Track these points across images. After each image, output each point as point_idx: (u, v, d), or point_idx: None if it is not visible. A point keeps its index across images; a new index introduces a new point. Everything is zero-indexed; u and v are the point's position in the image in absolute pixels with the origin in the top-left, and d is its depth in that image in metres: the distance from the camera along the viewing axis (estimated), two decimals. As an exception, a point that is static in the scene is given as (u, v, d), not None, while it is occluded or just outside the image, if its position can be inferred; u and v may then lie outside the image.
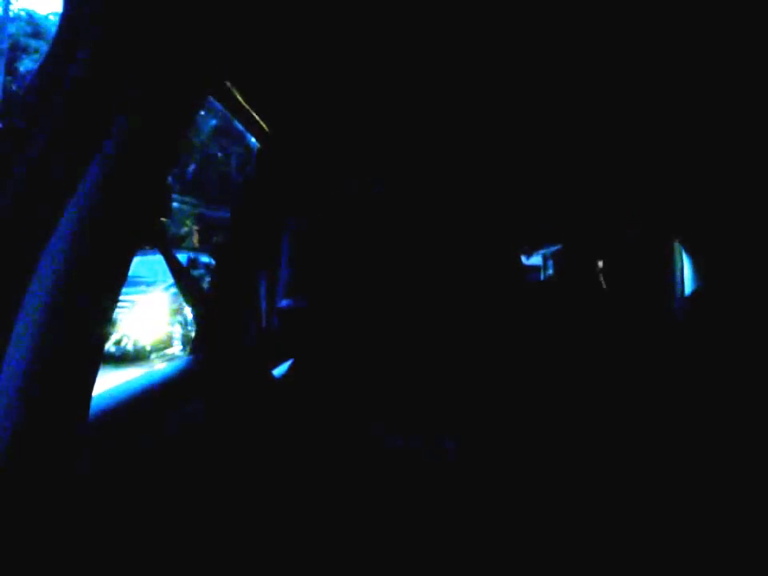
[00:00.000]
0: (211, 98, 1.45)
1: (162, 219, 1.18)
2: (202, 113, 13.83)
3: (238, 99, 1.55)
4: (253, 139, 1.94)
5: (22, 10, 16.36)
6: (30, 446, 0.82)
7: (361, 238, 2.16)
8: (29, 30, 15.80)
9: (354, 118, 1.98)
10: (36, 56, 14.69)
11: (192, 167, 14.04)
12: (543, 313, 2.24)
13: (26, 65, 14.67)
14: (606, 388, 1.82)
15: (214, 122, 14.29)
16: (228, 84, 1.45)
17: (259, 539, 1.30)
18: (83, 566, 0.94)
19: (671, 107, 1.99)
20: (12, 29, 15.26)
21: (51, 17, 16.67)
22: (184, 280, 1.47)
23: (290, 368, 1.83)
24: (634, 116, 2.04)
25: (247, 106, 1.63)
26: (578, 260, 3.53)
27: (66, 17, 0.91)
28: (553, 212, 3.81)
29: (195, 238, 13.75)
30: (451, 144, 2.30)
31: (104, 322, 1.00)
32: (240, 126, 1.83)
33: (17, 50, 15.20)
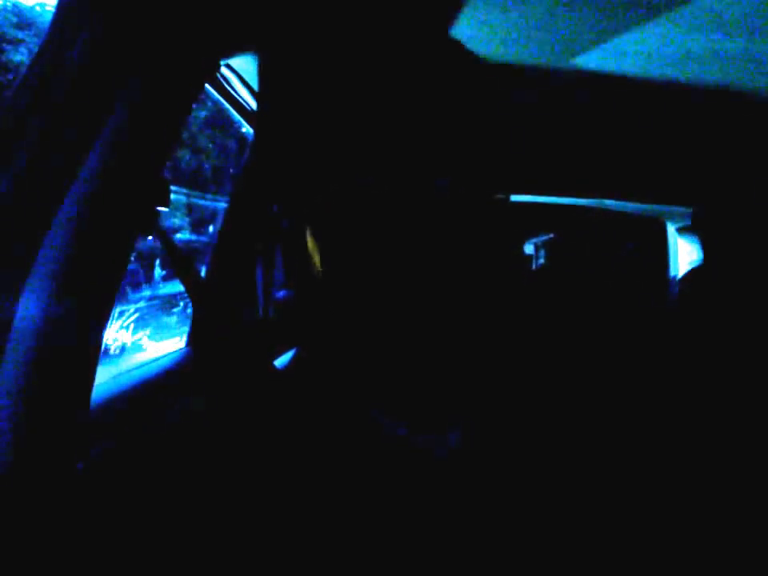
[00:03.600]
0: (208, 88, 1.45)
1: (161, 208, 1.18)
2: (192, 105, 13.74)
3: (233, 86, 1.55)
4: (244, 129, 1.94)
5: (8, 1, 16.15)
6: (30, 447, 0.82)
7: (359, 226, 2.15)
8: (14, 20, 15.60)
9: (348, 105, 1.97)
10: (23, 48, 14.53)
11: (184, 159, 13.96)
12: (542, 301, 2.25)
13: (14, 56, 14.51)
14: (604, 375, 1.83)
15: (204, 113, 14.21)
16: (224, 71, 1.44)
17: (261, 521, 1.30)
18: (85, 562, 0.94)
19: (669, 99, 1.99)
20: (-3, 20, 15.07)
21: (38, 7, 16.47)
22: (182, 270, 1.47)
23: (292, 358, 1.84)
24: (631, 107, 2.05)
25: (242, 94, 1.63)
26: (571, 247, 3.54)
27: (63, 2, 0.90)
28: (545, 200, 3.82)
29: (188, 230, 13.68)
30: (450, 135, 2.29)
31: (105, 313, 1.00)
32: (234, 116, 1.82)
33: (2, 42, 15.02)
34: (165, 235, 1.33)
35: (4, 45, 14.90)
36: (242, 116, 1.80)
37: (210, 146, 14.47)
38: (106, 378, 1.30)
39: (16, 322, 0.82)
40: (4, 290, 0.83)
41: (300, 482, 1.33)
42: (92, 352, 0.97)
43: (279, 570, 1.22)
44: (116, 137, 0.92)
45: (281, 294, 2.08)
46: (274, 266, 2.18)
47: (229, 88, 1.60)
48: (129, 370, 1.42)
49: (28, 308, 0.83)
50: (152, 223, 1.17)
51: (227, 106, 1.72)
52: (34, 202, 0.85)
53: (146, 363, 1.52)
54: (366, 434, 1.42)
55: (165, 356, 1.63)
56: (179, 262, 1.44)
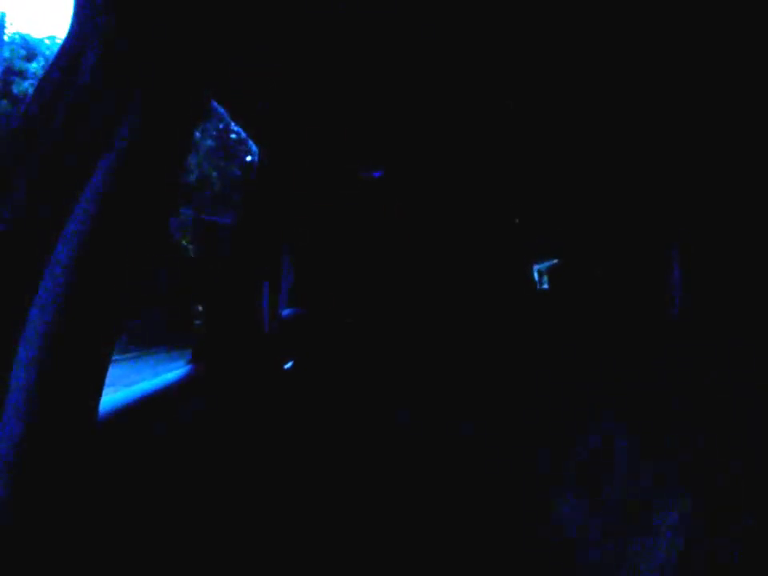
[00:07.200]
0: (215, 104, 1.47)
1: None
2: (197, 134, 13.91)
3: (239, 104, 1.57)
4: (248, 158, 1.96)
5: (16, 33, 16.44)
6: (42, 447, 0.82)
7: (361, 248, 2.19)
8: (24, 53, 15.85)
9: (355, 122, 1.99)
10: (34, 80, 14.78)
11: (189, 185, 14.07)
12: (546, 319, 2.31)
13: (23, 88, 14.76)
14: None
15: (209, 142, 14.35)
16: (230, 89, 1.46)
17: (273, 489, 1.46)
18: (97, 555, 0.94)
19: (667, 132, 2.03)
20: (6, 53, 15.33)
21: (47, 41, 16.77)
22: (193, 288, 1.47)
23: (291, 368, 1.87)
24: (630, 135, 2.09)
25: (247, 113, 1.64)
26: (574, 272, 3.60)
27: (75, 24, 0.91)
28: (550, 227, 3.85)
29: (192, 252, 13.68)
30: (457, 157, 2.32)
31: (115, 322, 1.00)
32: (237, 134, 1.83)
33: (12, 74, 15.27)
34: (178, 251, 1.33)
35: (14, 77, 15.15)
36: (248, 134, 1.82)
37: (215, 174, 14.57)
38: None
39: (26, 332, 0.83)
40: (15, 301, 0.83)
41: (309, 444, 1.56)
42: (101, 361, 0.97)
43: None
44: (123, 152, 0.93)
45: (285, 312, 2.09)
46: (279, 288, 2.20)
47: (237, 106, 1.61)
48: (151, 380, 1.45)
49: (39, 316, 0.84)
50: (163, 232, 1.18)
51: (235, 123, 1.73)
52: (45, 210, 0.85)
53: (162, 376, 1.53)
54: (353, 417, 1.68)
55: (178, 370, 1.64)
56: (188, 281, 1.44)
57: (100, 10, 0.91)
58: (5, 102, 14.42)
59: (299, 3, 1.22)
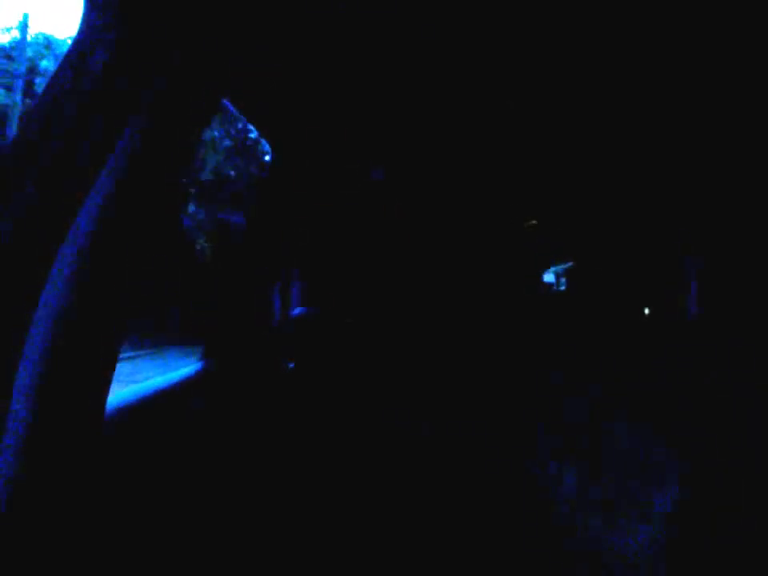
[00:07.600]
0: (227, 104, 1.48)
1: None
2: (216, 134, 14.01)
3: (252, 104, 1.57)
4: (266, 158, 1.96)
5: (40, 33, 16.66)
6: (45, 445, 0.83)
7: (367, 253, 2.20)
8: (46, 53, 16.05)
9: (366, 123, 1.99)
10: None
11: (207, 184, 14.12)
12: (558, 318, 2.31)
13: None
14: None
15: (228, 141, 14.40)
16: (241, 89, 1.47)
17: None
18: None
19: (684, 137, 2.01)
20: (29, 52, 15.53)
21: (69, 41, 16.93)
22: (203, 288, 1.48)
23: (297, 364, 1.88)
24: (645, 139, 2.07)
25: (261, 113, 1.65)
26: (590, 274, 3.60)
27: (84, 24, 0.92)
28: (569, 229, 3.82)
29: (209, 253, 13.72)
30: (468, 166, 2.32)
31: (119, 323, 1.01)
32: (253, 135, 1.84)
33: (35, 73, 15.47)
34: (191, 255, 1.34)
35: (35, 77, 15.35)
36: (262, 134, 1.83)
37: (233, 173, 14.61)
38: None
39: (32, 328, 0.83)
40: (21, 299, 0.84)
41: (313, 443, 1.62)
42: (106, 361, 0.98)
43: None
44: (130, 151, 0.93)
45: (296, 312, 2.10)
46: (290, 288, 2.20)
47: (249, 106, 1.62)
48: (165, 375, 1.47)
49: (44, 317, 0.84)
50: (172, 232, 1.18)
51: (250, 123, 1.74)
52: (49, 213, 0.85)
53: (174, 372, 1.55)
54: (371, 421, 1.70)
55: (189, 367, 1.65)
56: (198, 280, 1.45)
57: (108, 10, 0.92)
58: (29, 100, 14.61)
59: (302, 4, 1.22)
